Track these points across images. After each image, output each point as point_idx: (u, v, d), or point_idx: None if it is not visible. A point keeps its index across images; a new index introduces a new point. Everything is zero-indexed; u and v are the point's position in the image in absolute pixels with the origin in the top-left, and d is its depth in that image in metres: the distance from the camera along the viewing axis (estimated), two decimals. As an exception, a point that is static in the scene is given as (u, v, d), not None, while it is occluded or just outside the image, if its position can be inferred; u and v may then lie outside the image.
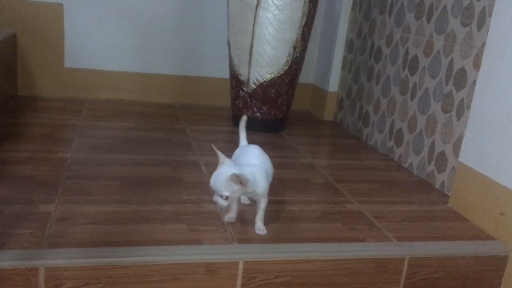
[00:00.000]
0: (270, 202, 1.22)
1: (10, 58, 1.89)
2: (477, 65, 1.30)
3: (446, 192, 1.40)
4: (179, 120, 1.91)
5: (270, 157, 1.11)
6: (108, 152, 1.46)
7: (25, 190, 1.14)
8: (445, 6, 1.46)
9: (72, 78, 2.04)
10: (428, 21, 1.53)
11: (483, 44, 1.27)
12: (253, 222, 1.09)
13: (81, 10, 1.98)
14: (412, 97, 1.59)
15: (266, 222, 1.11)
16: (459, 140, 1.34)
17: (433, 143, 1.48)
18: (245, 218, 1.13)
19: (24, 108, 1.85)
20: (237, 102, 1.85)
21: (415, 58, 1.59)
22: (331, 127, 2.09)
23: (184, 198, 1.20)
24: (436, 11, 1.50)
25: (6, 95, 1.84)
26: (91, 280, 0.88)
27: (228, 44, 1.84)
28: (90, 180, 1.24)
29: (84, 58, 2.03)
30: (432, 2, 1.51)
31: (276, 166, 1.50)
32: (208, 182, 1.30)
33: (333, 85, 2.14)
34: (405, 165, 1.61)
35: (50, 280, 0.86)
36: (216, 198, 0.97)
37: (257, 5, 1.69)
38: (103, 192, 1.18)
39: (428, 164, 1.49)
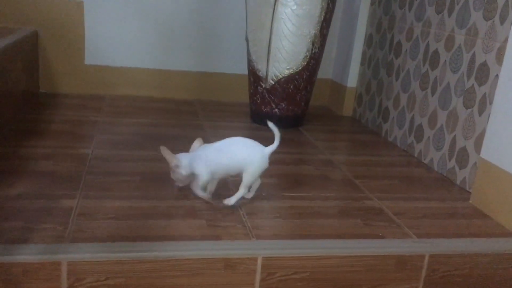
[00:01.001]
0: (289, 198, 1.23)
1: (31, 55, 1.92)
2: (499, 59, 1.28)
3: (467, 189, 1.38)
4: (198, 116, 1.92)
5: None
6: (127, 148, 1.47)
7: (48, 186, 1.16)
8: (466, -1, 1.43)
9: (92, 75, 2.06)
10: (449, 15, 1.51)
11: (506, 38, 1.25)
12: (269, 219, 1.09)
13: (101, 8, 2.00)
14: (433, 92, 1.57)
15: (285, 217, 1.12)
16: (481, 135, 1.32)
17: (454, 139, 1.46)
18: (262, 214, 1.13)
19: (45, 104, 1.88)
20: (255, 98, 1.85)
21: (436, 52, 1.56)
22: (350, 122, 2.08)
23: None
24: (457, 4, 1.47)
25: (28, 92, 1.87)
26: (112, 274, 0.90)
27: (246, 40, 1.84)
28: (111, 175, 1.26)
29: (104, 55, 2.05)
30: (454, -4, 1.49)
31: (294, 162, 1.52)
32: (227, 178, 1.31)
33: (352, 80, 2.12)
34: (425, 161, 1.59)
35: (72, 274, 0.88)
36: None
37: (276, 1, 1.68)
38: (123, 187, 1.20)
39: (449, 160, 1.47)
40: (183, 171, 1.11)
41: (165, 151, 1.12)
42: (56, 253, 0.88)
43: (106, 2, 2.00)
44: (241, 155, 1.13)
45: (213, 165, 1.12)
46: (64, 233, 0.95)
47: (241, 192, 1.13)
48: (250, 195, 1.19)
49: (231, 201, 1.13)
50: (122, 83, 2.09)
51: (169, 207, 1.12)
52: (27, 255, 0.87)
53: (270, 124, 1.16)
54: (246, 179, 1.12)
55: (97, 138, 1.54)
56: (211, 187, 1.17)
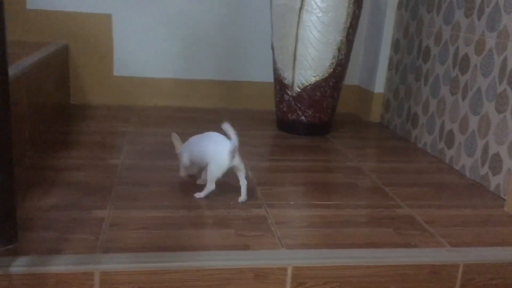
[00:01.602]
0: (317, 207, 1.23)
1: (62, 68, 1.97)
2: (533, 62, 1.24)
3: (501, 195, 1.35)
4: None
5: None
6: (156, 158, 1.49)
7: (80, 196, 1.18)
8: (497, 2, 1.40)
9: (121, 86, 2.10)
10: (479, 18, 1.48)
11: (540, 40, 1.21)
12: (299, 228, 1.09)
13: (129, 20, 2.04)
14: (463, 97, 1.54)
15: (314, 226, 1.11)
16: (515, 141, 1.29)
17: (486, 144, 1.42)
18: (291, 223, 1.13)
19: (76, 116, 1.92)
20: (281, 106, 1.85)
21: (466, 56, 1.53)
22: (378, 129, 2.05)
23: (232, 203, 1.20)
24: (487, 7, 1.44)
25: (60, 104, 1.92)
26: (143, 284, 0.90)
27: (272, 48, 1.84)
28: (140, 186, 1.27)
29: (132, 66, 2.09)
30: (483, -2, 1.46)
31: (322, 170, 1.51)
32: (255, 187, 1.31)
33: (379, 86, 2.10)
34: (457, 168, 1.55)
35: (105, 285, 0.89)
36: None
37: (301, 8, 1.68)
38: (152, 197, 1.21)
39: (482, 166, 1.44)
40: (183, 158, 1.26)
41: (174, 138, 1.28)
42: (89, 263, 0.90)
43: (134, 15, 2.03)
44: (206, 150, 1.20)
45: (189, 153, 1.25)
46: (96, 243, 0.96)
47: (207, 186, 1.20)
48: (241, 199, 1.21)
49: (201, 195, 1.21)
50: (150, 93, 2.12)
51: (197, 217, 1.12)
52: (61, 265, 0.88)
53: (225, 125, 1.17)
54: (209, 174, 1.19)
55: (126, 148, 1.56)
56: (192, 171, 1.30)
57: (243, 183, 1.21)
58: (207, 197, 1.21)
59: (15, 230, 0.93)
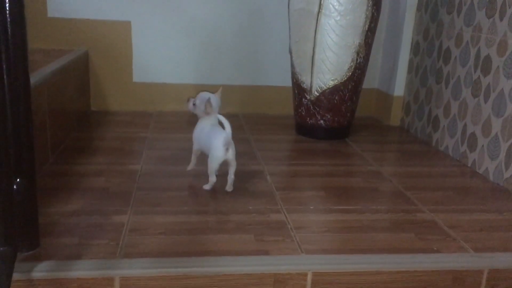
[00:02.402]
0: (337, 211, 1.22)
1: (83, 75, 1.99)
2: (558, 62, 1.21)
3: (527, 199, 1.32)
4: (243, 129, 1.92)
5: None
6: (175, 163, 1.49)
7: (100, 202, 1.19)
8: (519, 1, 1.37)
9: (140, 92, 2.12)
10: (501, 19, 1.45)
11: None
12: (318, 233, 1.08)
13: (148, 27, 2.06)
14: (486, 99, 1.51)
15: (334, 231, 1.10)
16: (540, 143, 1.26)
17: (510, 147, 1.39)
18: (311, 228, 1.12)
19: (96, 122, 1.95)
20: (300, 110, 1.85)
21: (488, 58, 1.51)
22: (398, 132, 2.03)
23: (251, 208, 1.20)
24: (509, 8, 1.42)
25: (80, 111, 1.94)
26: (163, 290, 0.91)
27: (290, 52, 1.84)
28: (160, 191, 1.28)
29: (151, 72, 2.11)
30: (505, -2, 1.44)
31: (342, 174, 1.49)
32: (274, 192, 1.30)
33: (399, 89, 2.08)
34: (480, 171, 1.52)
35: (125, 290, 0.89)
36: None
37: (319, 12, 1.68)
38: (172, 203, 1.21)
39: (506, 170, 1.41)
40: (194, 145, 1.39)
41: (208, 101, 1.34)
42: (109, 268, 0.90)
43: (152, 22, 2.05)
44: (204, 141, 1.31)
45: (198, 141, 1.35)
46: (116, 249, 0.97)
47: (209, 179, 1.28)
48: (227, 188, 1.29)
49: (207, 187, 1.29)
50: (169, 99, 2.14)
51: (217, 222, 1.12)
52: (82, 270, 0.89)
53: (220, 116, 1.27)
54: (208, 167, 1.27)
55: (146, 154, 1.57)
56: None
57: (230, 178, 1.28)
58: (212, 189, 1.29)
59: (37, 236, 0.95)
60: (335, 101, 1.77)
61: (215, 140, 1.25)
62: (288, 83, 1.93)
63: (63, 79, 1.65)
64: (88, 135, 1.77)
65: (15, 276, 0.85)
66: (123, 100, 2.12)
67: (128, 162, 1.49)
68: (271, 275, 0.93)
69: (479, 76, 1.55)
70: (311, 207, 1.23)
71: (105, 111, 2.10)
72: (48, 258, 0.92)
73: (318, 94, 1.77)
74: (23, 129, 0.87)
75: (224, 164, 1.27)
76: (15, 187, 0.86)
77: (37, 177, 0.94)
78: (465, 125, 1.62)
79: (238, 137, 1.81)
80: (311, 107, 1.80)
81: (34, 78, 1.33)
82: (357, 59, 1.73)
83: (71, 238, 1.01)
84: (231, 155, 1.25)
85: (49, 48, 1.99)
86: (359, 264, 0.97)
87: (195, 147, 1.37)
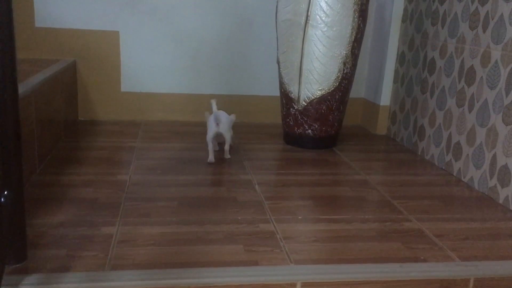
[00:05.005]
0: (325, 221, 1.22)
1: (71, 85, 1.99)
2: (539, 74, 1.24)
3: (511, 208, 1.34)
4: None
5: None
6: (164, 173, 1.49)
7: (88, 213, 1.19)
8: (502, 14, 1.41)
9: (128, 102, 2.12)
10: (484, 31, 1.48)
11: (546, 52, 1.21)
12: (307, 243, 1.09)
13: (136, 37, 2.06)
14: (470, 109, 1.54)
15: (322, 241, 1.11)
16: (523, 153, 1.28)
17: (494, 156, 1.42)
18: (299, 238, 1.13)
19: (84, 132, 1.94)
20: (288, 119, 1.86)
21: (472, 69, 1.54)
22: (384, 141, 2.05)
23: (239, 218, 1.20)
24: (492, 20, 1.45)
25: (68, 120, 1.94)
26: (153, 301, 0.90)
27: (278, 62, 1.85)
28: (149, 201, 1.28)
29: (139, 82, 2.11)
30: (488, 11, 1.47)
31: (329, 183, 1.51)
32: (263, 202, 1.31)
33: (385, 98, 2.10)
34: (465, 180, 1.55)
35: (114, 302, 0.89)
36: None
37: (306, 23, 1.70)
38: (161, 213, 1.21)
39: (490, 179, 1.43)
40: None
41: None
42: (98, 281, 0.90)
43: (141, 32, 2.06)
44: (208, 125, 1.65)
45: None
46: (105, 260, 0.97)
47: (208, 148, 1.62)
48: (225, 155, 1.67)
49: (209, 159, 1.60)
50: (157, 108, 2.14)
51: (206, 232, 1.12)
52: (70, 283, 0.89)
53: (211, 100, 1.71)
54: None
55: (134, 163, 1.57)
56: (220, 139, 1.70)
57: (226, 148, 1.66)
58: (214, 158, 1.60)
59: (25, 249, 0.94)
60: (323, 111, 1.79)
61: (209, 119, 1.62)
62: (276, 93, 1.95)
63: (51, 89, 1.64)
64: (76, 145, 1.76)
65: (3, 289, 0.85)
66: (111, 109, 2.11)
67: (116, 172, 1.49)
68: (261, 285, 0.94)
69: (463, 86, 1.58)
70: (300, 217, 1.24)
71: (93, 120, 2.09)
72: (36, 270, 0.92)
73: (305, 104, 1.78)
74: (11, 141, 0.86)
75: (221, 139, 1.66)
76: (2, 199, 0.86)
77: (25, 189, 0.93)
78: (450, 135, 1.65)
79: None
80: (299, 117, 1.81)
81: (22, 88, 1.32)
82: (344, 70, 1.75)
83: (59, 250, 1.00)
84: (222, 128, 1.60)
85: (37, 58, 1.98)
86: (347, 274, 0.98)
87: (209, 134, 1.63)
